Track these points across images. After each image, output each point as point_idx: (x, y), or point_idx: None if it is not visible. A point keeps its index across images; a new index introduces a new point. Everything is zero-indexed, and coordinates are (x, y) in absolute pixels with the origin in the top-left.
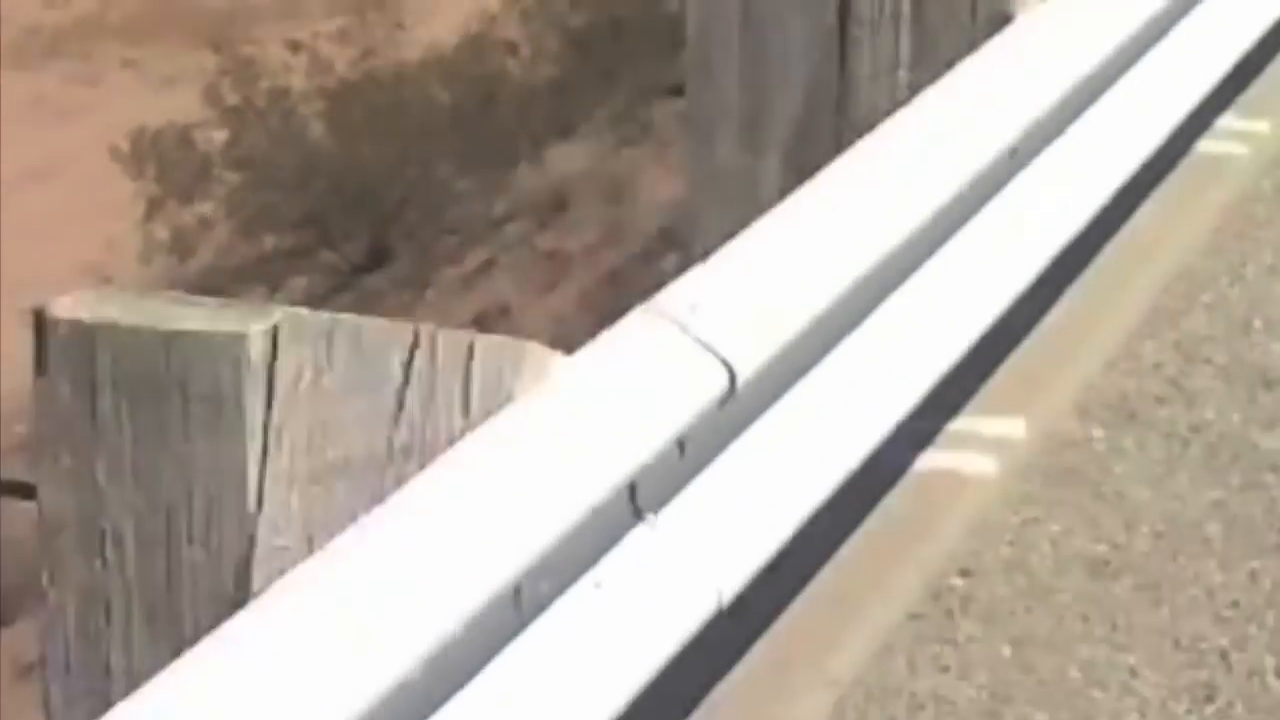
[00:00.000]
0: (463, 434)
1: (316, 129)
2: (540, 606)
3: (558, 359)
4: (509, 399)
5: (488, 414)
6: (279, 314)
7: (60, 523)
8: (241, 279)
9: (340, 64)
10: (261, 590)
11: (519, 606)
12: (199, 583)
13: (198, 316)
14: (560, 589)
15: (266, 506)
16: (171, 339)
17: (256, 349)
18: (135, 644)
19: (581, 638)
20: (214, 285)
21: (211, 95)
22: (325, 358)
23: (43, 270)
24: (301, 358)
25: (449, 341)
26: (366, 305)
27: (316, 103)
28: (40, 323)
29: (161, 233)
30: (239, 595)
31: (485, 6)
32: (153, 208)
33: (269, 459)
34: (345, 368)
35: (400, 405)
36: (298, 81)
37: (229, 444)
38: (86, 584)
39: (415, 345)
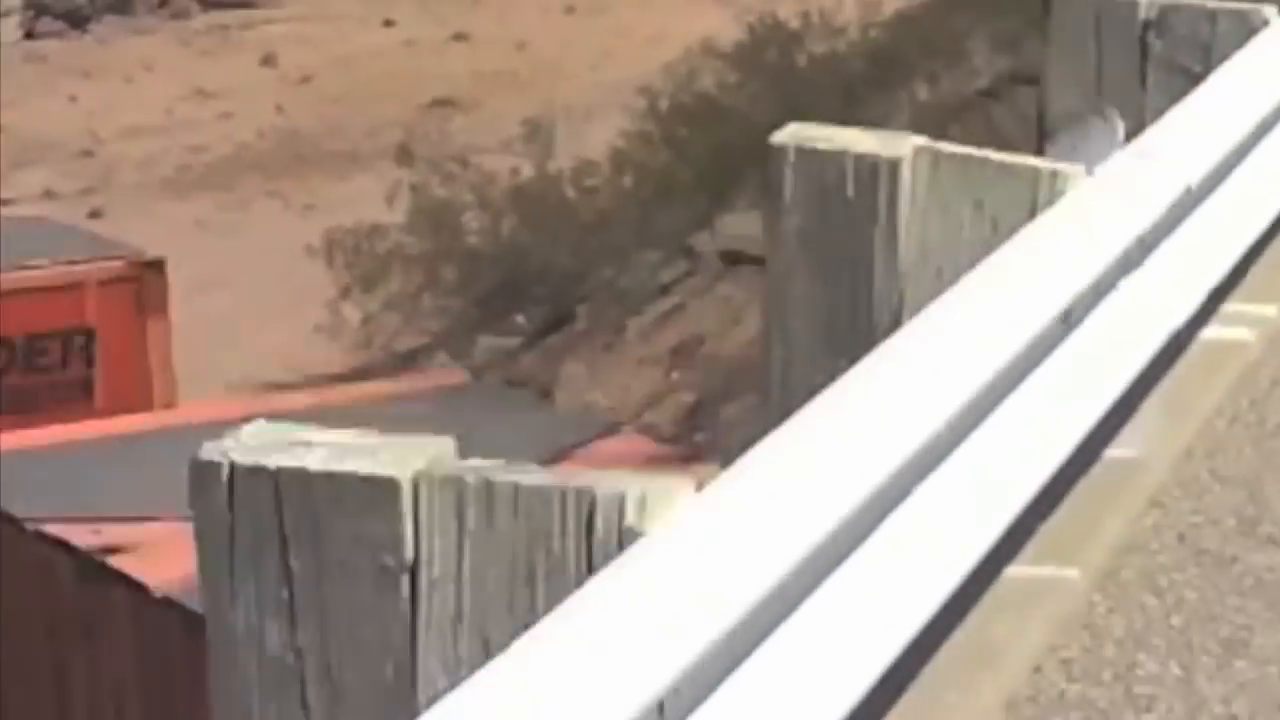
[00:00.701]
0: None
1: (504, 218)
2: None
3: None
4: None
5: None
6: None
7: None
8: (427, 350)
9: (508, 172)
10: None
11: None
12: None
13: None
14: None
15: None
16: None
17: None
18: None
19: None
20: (404, 350)
21: (400, 193)
22: None
23: (263, 345)
24: None
25: None
26: (554, 356)
27: (503, 199)
28: None
29: (353, 313)
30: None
31: (634, 126)
32: (344, 292)
33: None
34: None
35: None
36: (477, 186)
37: None
38: None
39: None
